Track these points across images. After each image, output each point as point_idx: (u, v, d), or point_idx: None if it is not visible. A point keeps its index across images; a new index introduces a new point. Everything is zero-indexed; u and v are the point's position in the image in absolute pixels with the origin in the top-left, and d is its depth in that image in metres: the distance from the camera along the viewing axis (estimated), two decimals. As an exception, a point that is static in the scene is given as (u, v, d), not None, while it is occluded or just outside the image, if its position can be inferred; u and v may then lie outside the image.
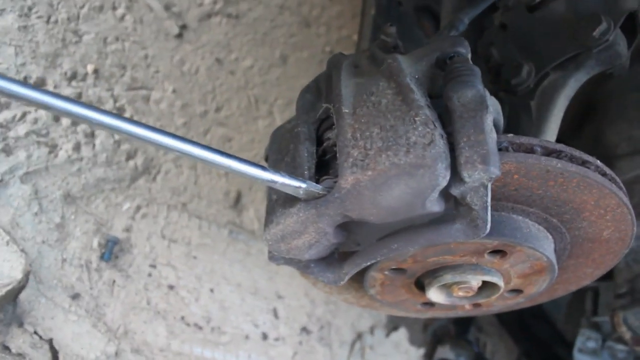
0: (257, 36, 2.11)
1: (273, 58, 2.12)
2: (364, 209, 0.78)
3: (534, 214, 0.90)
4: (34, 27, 1.49)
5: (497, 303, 1.11)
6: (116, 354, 1.30)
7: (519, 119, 1.05)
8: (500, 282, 0.98)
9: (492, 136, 0.72)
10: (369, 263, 0.88)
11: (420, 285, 1.05)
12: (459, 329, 2.21)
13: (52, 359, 1.20)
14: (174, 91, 1.75)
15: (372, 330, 1.96)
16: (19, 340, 1.18)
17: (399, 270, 0.98)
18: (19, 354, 1.17)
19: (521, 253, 0.92)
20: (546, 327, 2.28)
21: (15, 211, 1.27)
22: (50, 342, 1.22)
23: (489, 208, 0.75)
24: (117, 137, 1.54)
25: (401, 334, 2.04)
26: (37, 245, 1.28)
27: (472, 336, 2.23)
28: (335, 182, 0.79)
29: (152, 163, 1.60)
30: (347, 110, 0.80)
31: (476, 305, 1.11)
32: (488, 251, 0.91)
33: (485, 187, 0.73)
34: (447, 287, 1.01)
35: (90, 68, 1.55)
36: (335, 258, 0.96)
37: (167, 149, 0.69)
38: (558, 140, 1.00)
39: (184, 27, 1.87)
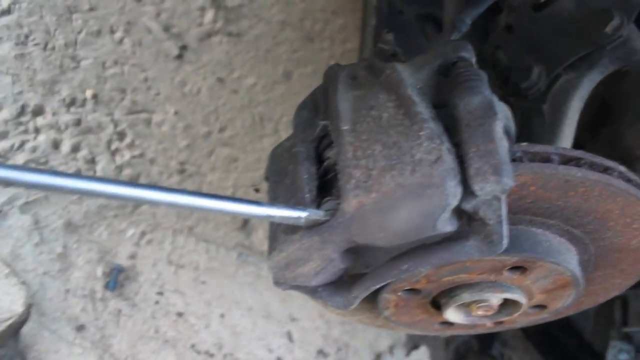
0: (260, 53, 2.08)
1: (276, 75, 2.09)
2: (370, 233, 0.73)
3: (555, 227, 0.84)
4: (31, 54, 1.47)
5: (521, 319, 1.04)
6: (123, 387, 1.25)
7: (532, 125, 1.00)
8: (522, 299, 0.92)
9: (503, 144, 0.67)
10: (379, 285, 0.83)
11: (437, 304, 0.99)
12: (482, 345, 2.13)
13: (56, 395, 1.16)
14: (175, 113, 1.72)
15: (391, 349, 1.89)
16: (21, 378, 1.14)
17: (413, 291, 0.93)
18: (22, 392, 1.13)
19: (543, 268, 0.86)
20: (573, 338, 2.19)
21: (15, 242, 1.24)
22: (54, 378, 1.18)
23: (505, 222, 0.70)
24: (118, 162, 1.51)
25: (422, 352, 1.97)
26: (39, 276, 1.24)
27: (496, 351, 2.15)
28: (339, 203, 0.74)
29: (156, 187, 1.56)
30: (346, 127, 0.75)
31: (498, 323, 1.05)
32: (507, 268, 0.85)
33: (499, 200, 0.67)
34: (465, 306, 0.95)
35: (89, 93, 1.53)
36: (344, 281, 0.90)
37: (153, 203, 0.64)
38: (574, 145, 0.94)
39: (183, 47, 1.84)
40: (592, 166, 0.77)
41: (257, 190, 1.52)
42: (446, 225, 0.71)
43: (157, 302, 1.40)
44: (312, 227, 0.75)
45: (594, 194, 0.78)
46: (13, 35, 1.46)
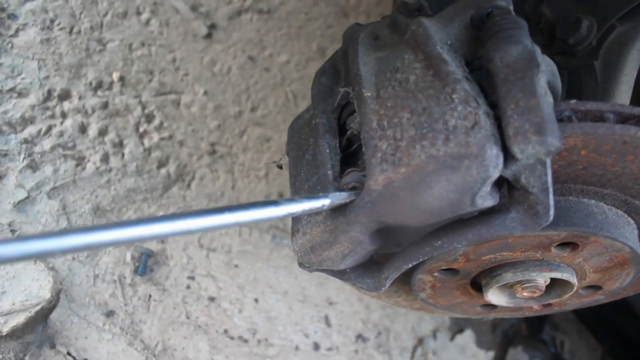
0: (292, 30, 2.01)
1: (310, 51, 2.01)
2: (401, 212, 0.65)
3: (610, 196, 0.74)
4: (57, 39, 1.45)
5: (572, 302, 0.95)
6: (155, 373, 1.23)
7: (582, 85, 0.89)
8: (572, 278, 0.83)
9: (547, 100, 0.58)
10: (410, 265, 0.75)
11: (478, 286, 0.90)
12: (531, 328, 2.02)
13: (87, 381, 1.14)
14: (205, 93, 1.67)
15: (434, 334, 1.81)
16: (52, 363, 1.13)
17: (451, 271, 0.85)
18: (53, 378, 1.12)
19: (597, 244, 0.76)
20: (633, 322, 2.04)
21: (43, 228, 1.22)
22: (84, 363, 1.16)
23: (551, 190, 0.60)
24: (147, 144, 1.47)
25: (467, 336, 1.88)
26: (68, 262, 1.22)
27: (547, 335, 2.04)
28: (364, 175, 0.67)
29: (186, 170, 1.52)
30: (369, 94, 0.67)
31: (546, 305, 0.95)
32: (555, 244, 0.76)
33: (544, 164, 0.59)
34: (508, 287, 0.87)
35: (115, 76, 1.50)
36: (374, 261, 0.83)
37: (161, 236, 0.55)
38: (633, 104, 0.83)
39: (212, 26, 1.79)
40: (655, 125, 0.66)
41: (280, 167, 1.46)
42: (487, 199, 0.62)
43: (188, 287, 1.36)
44: (337, 207, 0.68)
45: (657, 157, 0.68)
46: (38, 20, 1.44)
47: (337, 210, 0.67)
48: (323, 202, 0.64)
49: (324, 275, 1.66)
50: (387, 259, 0.80)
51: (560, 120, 0.64)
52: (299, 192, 0.78)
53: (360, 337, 1.64)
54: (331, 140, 0.73)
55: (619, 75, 0.83)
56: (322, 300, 1.62)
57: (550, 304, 0.94)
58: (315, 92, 0.78)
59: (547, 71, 0.66)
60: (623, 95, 0.84)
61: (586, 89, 0.88)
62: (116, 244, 0.49)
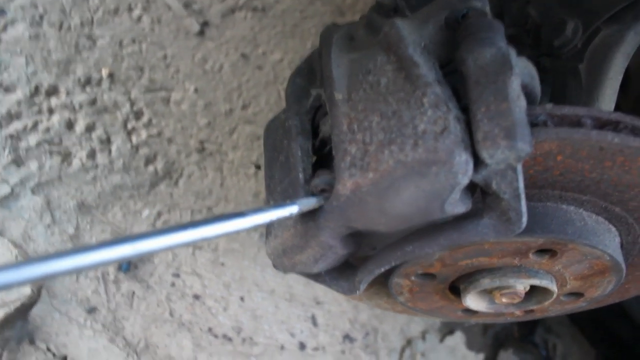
0: (286, 28, 2.00)
1: (304, 50, 2.00)
2: (370, 218, 0.64)
3: (589, 203, 0.73)
4: (46, 35, 1.44)
5: (553, 308, 0.93)
6: (136, 371, 1.22)
7: (567, 88, 0.87)
8: (552, 286, 0.81)
9: (519, 104, 0.56)
10: (383, 269, 0.74)
11: (457, 290, 0.89)
12: (523, 331, 2.01)
13: (66, 378, 1.14)
14: (195, 91, 1.66)
15: (423, 335, 1.80)
16: (31, 358, 1.12)
17: (427, 276, 0.84)
18: (32, 375, 1.11)
19: (575, 251, 0.75)
20: (628, 326, 2.03)
21: (27, 223, 1.22)
22: (64, 359, 1.15)
23: (523, 196, 0.59)
24: (135, 141, 1.47)
25: (457, 338, 1.87)
26: (51, 259, 1.22)
27: (539, 338, 2.03)
28: (334, 178, 0.66)
29: (174, 167, 1.51)
30: (340, 96, 0.66)
31: (528, 311, 0.94)
32: (533, 251, 0.75)
33: (514, 170, 0.57)
34: (487, 293, 0.86)
35: (105, 72, 1.49)
36: (349, 264, 0.82)
37: (123, 258, 0.52)
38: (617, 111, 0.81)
39: (205, 24, 1.78)
40: (634, 130, 0.65)
41: (258, 167, 1.45)
42: (456, 206, 0.61)
43: (172, 284, 1.35)
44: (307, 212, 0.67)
45: (637, 164, 0.66)
46: (28, 15, 1.43)
47: (307, 215, 0.67)
48: (291, 210, 0.63)
49: (312, 275, 1.66)
50: (361, 262, 0.79)
51: (535, 124, 0.62)
52: (272, 194, 0.77)
53: (347, 337, 1.63)
54: (304, 142, 0.72)
55: (604, 79, 0.82)
56: (309, 299, 1.61)
57: (531, 310, 0.93)
58: (289, 93, 0.77)
59: (524, 74, 0.65)
60: (607, 99, 0.82)
61: (570, 92, 0.86)
62: (74, 270, 0.47)
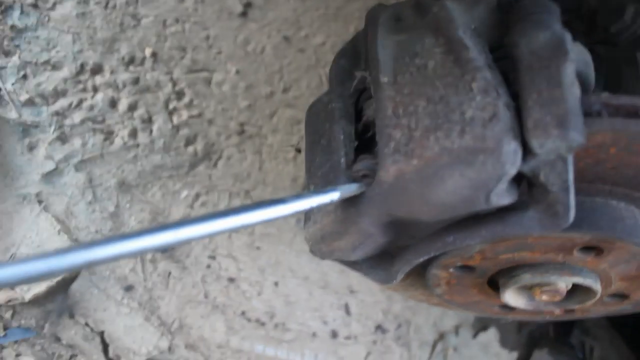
0: (330, 11, 1.97)
1: (347, 34, 1.97)
2: (412, 207, 0.62)
3: (643, 200, 0.69)
4: (92, 13, 1.46)
5: (596, 309, 0.90)
6: (169, 349, 1.24)
7: (622, 78, 0.83)
8: (596, 285, 0.78)
9: (573, 91, 0.53)
10: (421, 259, 0.72)
11: (495, 285, 0.86)
12: (560, 331, 1.95)
13: (103, 351, 1.16)
14: (237, 72, 1.66)
15: (456, 330, 1.77)
16: (70, 332, 1.15)
17: (466, 268, 0.81)
18: (70, 346, 1.14)
19: (623, 250, 0.71)
20: (670, 331, 1.95)
21: (69, 200, 1.24)
22: (101, 334, 1.18)
23: (572, 189, 0.56)
24: (175, 122, 1.48)
25: (491, 334, 1.83)
26: (91, 234, 1.24)
27: (575, 339, 1.96)
28: (377, 163, 0.64)
29: (213, 148, 1.52)
30: (385, 79, 0.64)
31: (568, 311, 0.91)
32: (578, 247, 0.71)
33: (565, 161, 0.54)
34: (527, 289, 0.83)
35: (148, 51, 1.50)
36: (387, 253, 0.81)
37: (163, 246, 0.52)
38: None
39: (248, 5, 1.77)
40: (696, 124, 0.61)
41: (298, 150, 1.44)
42: (502, 197, 0.59)
43: (208, 266, 1.37)
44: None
45: (697, 160, 0.62)
46: (76, -7, 1.45)
47: (348, 200, 0.65)
48: (332, 197, 0.61)
49: (346, 262, 1.64)
50: (400, 251, 0.77)
51: (588, 114, 0.59)
52: (312, 178, 0.76)
53: (379, 327, 1.61)
54: (346, 126, 0.71)
55: (664, 69, 0.77)
56: (344, 288, 1.60)
57: (572, 310, 0.90)
58: (333, 75, 0.76)
59: (579, 60, 0.61)
60: (667, 91, 0.78)
61: (626, 82, 0.82)
62: (115, 258, 0.47)
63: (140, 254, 0.49)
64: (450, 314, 1.78)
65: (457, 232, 0.66)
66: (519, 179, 0.61)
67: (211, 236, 0.53)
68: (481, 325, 1.81)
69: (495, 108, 0.54)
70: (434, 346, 1.69)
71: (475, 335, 1.78)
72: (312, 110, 0.80)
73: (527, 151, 0.54)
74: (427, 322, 1.71)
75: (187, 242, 0.50)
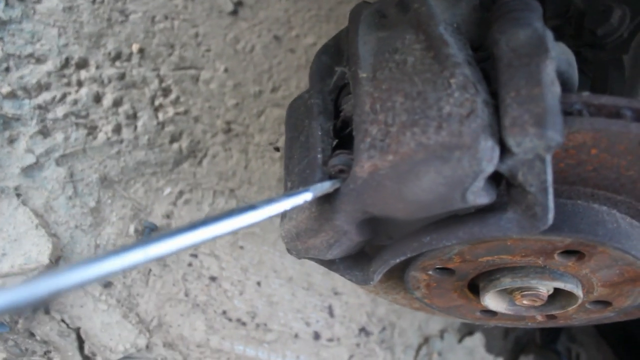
0: (321, 12, 1.96)
1: (338, 35, 1.96)
2: (387, 203, 0.61)
3: (625, 204, 0.68)
4: (79, 7, 1.44)
5: (578, 316, 0.88)
6: (147, 347, 1.22)
7: (609, 80, 0.82)
8: (577, 290, 0.77)
9: (552, 90, 0.52)
10: (398, 260, 0.71)
11: (476, 289, 0.85)
12: (546, 337, 1.94)
13: (78, 348, 1.14)
14: (225, 70, 1.64)
15: (442, 334, 1.76)
16: (45, 327, 1.12)
17: (446, 271, 0.80)
18: (44, 342, 1.12)
19: (605, 255, 0.70)
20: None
21: (49, 194, 1.22)
22: (77, 330, 1.16)
23: (550, 190, 0.55)
24: (161, 118, 1.46)
25: (477, 339, 1.82)
26: (70, 229, 1.22)
27: (562, 346, 1.96)
28: (352, 159, 0.63)
29: (199, 146, 1.50)
30: (364, 75, 0.63)
31: (549, 316, 0.89)
32: (559, 251, 0.70)
33: (543, 161, 0.53)
34: (507, 293, 0.81)
35: (135, 47, 1.48)
36: (364, 254, 0.79)
37: (132, 267, 0.49)
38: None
39: (239, 3, 1.75)
40: (679, 127, 0.59)
41: (277, 149, 1.43)
42: (479, 196, 0.57)
43: (190, 265, 1.35)
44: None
45: (680, 164, 0.61)
46: (63, -15, 1.43)
47: (323, 197, 0.64)
48: (304, 197, 0.60)
49: (331, 264, 1.62)
50: (377, 251, 0.76)
51: (569, 113, 0.58)
52: (290, 175, 0.74)
53: (363, 330, 1.60)
54: (324, 122, 0.69)
55: (649, 73, 0.76)
56: (328, 289, 1.58)
57: (554, 316, 0.88)
58: (313, 71, 0.74)
59: (561, 60, 0.60)
60: (652, 94, 0.77)
61: (612, 84, 0.81)
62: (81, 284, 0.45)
63: (107, 278, 0.46)
64: (435, 318, 1.76)
65: (434, 233, 0.65)
66: (497, 180, 0.60)
67: (181, 251, 0.50)
68: (467, 330, 1.80)
69: (473, 104, 0.53)
70: (418, 350, 1.68)
71: (460, 339, 1.77)
72: (293, 106, 0.79)
73: (504, 150, 0.53)
74: (411, 325, 1.70)
75: (157, 259, 0.48)
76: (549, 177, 0.54)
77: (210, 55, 1.64)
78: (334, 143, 0.71)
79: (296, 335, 1.47)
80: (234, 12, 1.74)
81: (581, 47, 0.85)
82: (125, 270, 0.47)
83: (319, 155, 0.67)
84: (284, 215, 0.74)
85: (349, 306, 1.60)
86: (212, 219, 0.51)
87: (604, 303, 0.82)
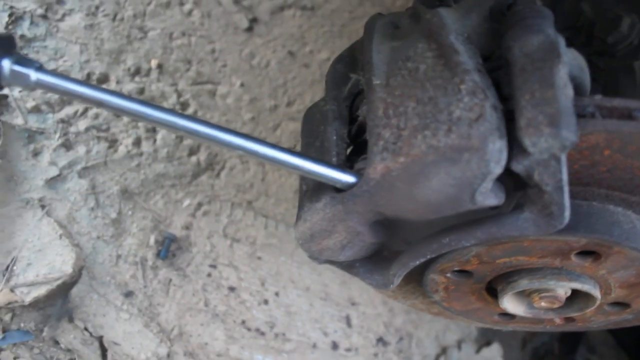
0: (335, 28, 2.00)
1: (351, 50, 1.99)
2: (398, 204, 0.63)
3: (639, 205, 0.69)
4: (100, 25, 1.49)
5: (597, 318, 0.89)
6: (168, 355, 1.23)
7: (619, 87, 0.84)
8: (595, 291, 0.78)
9: (565, 92, 0.54)
10: (418, 262, 0.73)
11: (494, 292, 0.86)
12: (564, 348, 1.93)
13: (101, 356, 1.16)
14: (241, 85, 1.68)
15: (459, 344, 1.75)
16: (69, 336, 1.15)
17: (464, 273, 0.81)
18: (68, 350, 1.14)
19: (621, 255, 0.71)
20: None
21: (72, 205, 1.26)
22: (100, 339, 1.18)
23: (566, 189, 0.57)
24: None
25: (494, 350, 1.81)
26: (92, 240, 1.25)
27: (580, 357, 1.94)
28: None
29: (216, 159, 1.53)
30: (378, 82, 0.66)
31: (568, 319, 0.90)
32: (575, 252, 0.71)
33: (558, 161, 0.55)
34: (526, 296, 0.82)
35: (154, 63, 1.53)
36: (383, 257, 0.81)
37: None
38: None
39: (254, 20, 1.80)
40: (690, 127, 0.61)
41: None
42: (488, 197, 0.59)
43: (209, 275, 1.37)
44: (336, 195, 0.66)
45: (692, 164, 0.63)
46: (84, 6, 1.49)
47: (336, 198, 0.66)
48: (327, 172, 0.64)
49: (348, 274, 1.64)
50: (396, 255, 0.77)
51: (582, 116, 0.60)
52: (305, 178, 0.77)
53: (381, 340, 1.60)
54: (339, 128, 0.72)
55: (660, 78, 0.78)
56: (345, 299, 1.59)
57: (572, 319, 0.89)
58: (329, 79, 0.77)
59: (573, 65, 0.62)
60: (663, 99, 0.78)
61: (623, 90, 0.82)
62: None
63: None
64: (452, 329, 1.76)
65: (453, 234, 0.66)
66: (515, 184, 0.61)
67: (211, 142, 0.63)
68: (485, 341, 1.80)
69: (482, 109, 0.56)
70: (435, 360, 1.68)
71: (478, 350, 1.77)
72: (308, 114, 0.82)
73: (520, 150, 0.55)
74: (429, 335, 1.70)
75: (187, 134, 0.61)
76: (564, 177, 0.56)
77: (226, 71, 1.68)
78: (350, 149, 0.74)
79: (314, 345, 1.48)
80: (249, 29, 1.78)
81: (592, 56, 0.87)
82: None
83: (334, 159, 0.70)
84: (298, 217, 0.76)
85: (366, 316, 1.61)
86: (253, 139, 0.63)
87: (622, 305, 0.83)
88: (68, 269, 1.15)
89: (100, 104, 0.60)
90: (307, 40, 1.91)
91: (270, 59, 1.80)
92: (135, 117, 0.61)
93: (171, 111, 0.61)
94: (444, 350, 1.72)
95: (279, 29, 1.86)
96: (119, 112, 0.61)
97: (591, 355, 2.00)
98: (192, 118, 0.62)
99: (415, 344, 1.67)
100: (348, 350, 1.54)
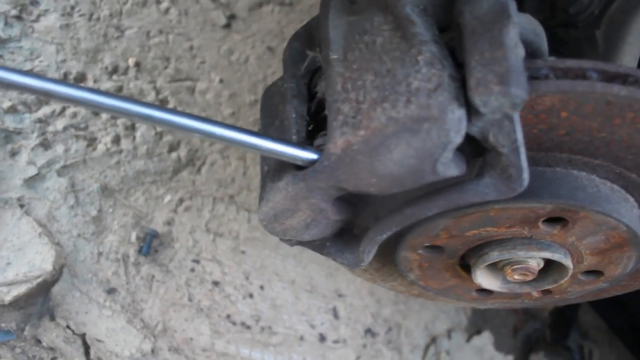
0: (314, 23, 2.01)
1: (332, 44, 2.00)
2: (360, 178, 0.63)
3: (603, 168, 0.69)
4: (76, 25, 1.48)
5: (573, 289, 0.89)
6: (152, 351, 1.23)
7: (582, 56, 0.84)
8: (566, 260, 0.78)
9: (515, 52, 0.54)
10: (384, 236, 0.73)
11: (468, 268, 0.86)
12: (556, 334, 1.93)
13: (84, 354, 1.16)
14: (221, 81, 1.68)
15: (449, 333, 1.75)
16: (51, 334, 1.14)
17: (435, 248, 0.81)
18: (51, 348, 1.13)
19: (588, 220, 0.71)
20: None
21: (51, 204, 1.25)
22: (83, 337, 1.17)
23: (522, 150, 0.57)
24: (159, 128, 1.49)
25: (485, 338, 1.81)
26: (73, 238, 1.25)
27: (573, 343, 1.94)
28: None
29: (197, 154, 1.53)
30: (335, 56, 0.66)
31: (545, 292, 0.90)
32: (542, 219, 0.71)
33: (511, 120, 0.55)
34: (499, 270, 0.82)
35: (131, 61, 1.53)
36: (354, 235, 0.81)
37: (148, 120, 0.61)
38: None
39: (232, 17, 1.80)
40: (646, 85, 0.61)
41: None
42: (449, 167, 0.59)
43: (192, 270, 1.36)
44: (298, 173, 0.66)
45: (651, 122, 0.63)
46: (59, 6, 1.49)
47: (297, 176, 0.66)
48: (289, 150, 0.64)
49: (333, 265, 1.64)
50: (364, 232, 0.77)
51: (536, 78, 0.60)
52: (266, 159, 0.77)
53: (369, 331, 1.60)
54: (299, 105, 0.72)
55: (622, 45, 0.78)
56: (331, 291, 1.59)
57: (549, 291, 0.89)
58: (286, 58, 0.77)
59: (528, 29, 0.63)
60: (627, 64, 0.78)
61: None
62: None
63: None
64: (442, 318, 1.76)
65: (415, 205, 0.66)
66: (471, 152, 0.62)
67: (177, 129, 0.61)
68: (475, 329, 1.80)
69: (440, 79, 0.56)
70: (426, 350, 1.68)
71: (468, 339, 1.77)
72: (267, 93, 0.81)
73: (473, 111, 0.55)
74: (418, 325, 1.70)
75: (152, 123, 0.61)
76: (519, 137, 0.56)
77: (205, 67, 1.68)
78: (310, 127, 0.74)
79: (301, 338, 1.47)
80: (227, 25, 1.78)
81: (557, 28, 0.87)
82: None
83: (294, 137, 0.69)
84: (261, 198, 0.76)
85: (354, 308, 1.61)
86: (214, 123, 0.62)
87: (596, 273, 0.83)
88: (48, 267, 1.14)
89: (47, 94, 0.58)
90: (286, 35, 1.91)
91: (249, 54, 1.80)
92: (80, 104, 0.59)
93: (111, 94, 0.61)
94: (433, 340, 1.71)
95: (258, 25, 1.86)
96: (68, 102, 0.59)
97: (584, 341, 2.00)
98: (144, 103, 0.61)
99: (405, 334, 1.67)
100: (336, 342, 1.54)
